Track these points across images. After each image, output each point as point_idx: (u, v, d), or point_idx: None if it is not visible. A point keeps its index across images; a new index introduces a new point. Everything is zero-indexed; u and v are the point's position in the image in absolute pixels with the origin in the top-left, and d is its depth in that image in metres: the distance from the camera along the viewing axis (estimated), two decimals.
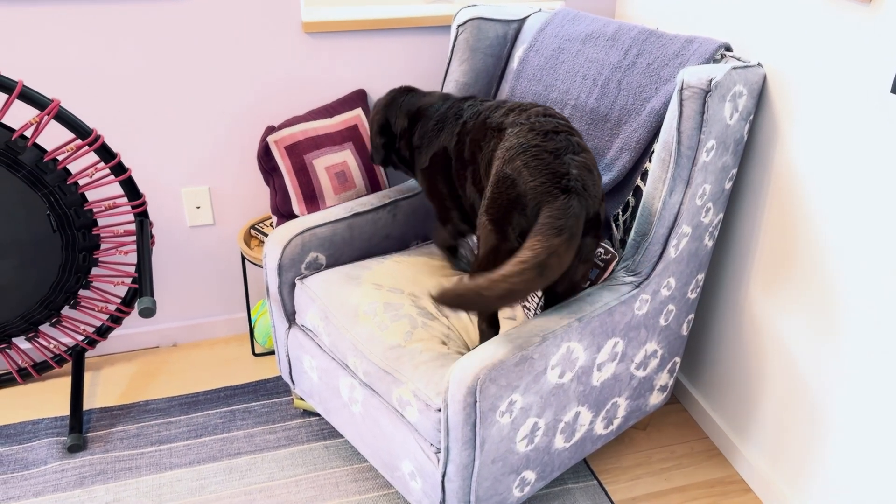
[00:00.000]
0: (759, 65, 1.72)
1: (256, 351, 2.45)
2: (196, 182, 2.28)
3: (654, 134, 1.78)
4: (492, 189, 1.54)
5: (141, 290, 1.83)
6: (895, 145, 1.45)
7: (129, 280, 2.19)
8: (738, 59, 1.75)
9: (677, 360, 2.03)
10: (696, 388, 2.20)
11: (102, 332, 2.22)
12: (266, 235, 2.24)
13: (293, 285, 1.98)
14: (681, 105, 1.62)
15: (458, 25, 2.08)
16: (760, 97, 1.78)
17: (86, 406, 2.20)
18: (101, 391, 2.27)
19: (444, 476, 1.60)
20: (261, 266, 2.18)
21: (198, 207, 2.31)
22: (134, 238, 2.09)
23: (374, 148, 2.02)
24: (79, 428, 2.07)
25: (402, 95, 1.96)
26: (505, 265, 1.38)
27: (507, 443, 1.60)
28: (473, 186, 1.71)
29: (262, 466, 2.00)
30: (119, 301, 2.22)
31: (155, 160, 2.21)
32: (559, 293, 1.67)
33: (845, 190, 1.59)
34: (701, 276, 1.93)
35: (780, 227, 1.79)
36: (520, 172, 1.48)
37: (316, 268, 2.01)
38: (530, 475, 1.74)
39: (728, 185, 1.82)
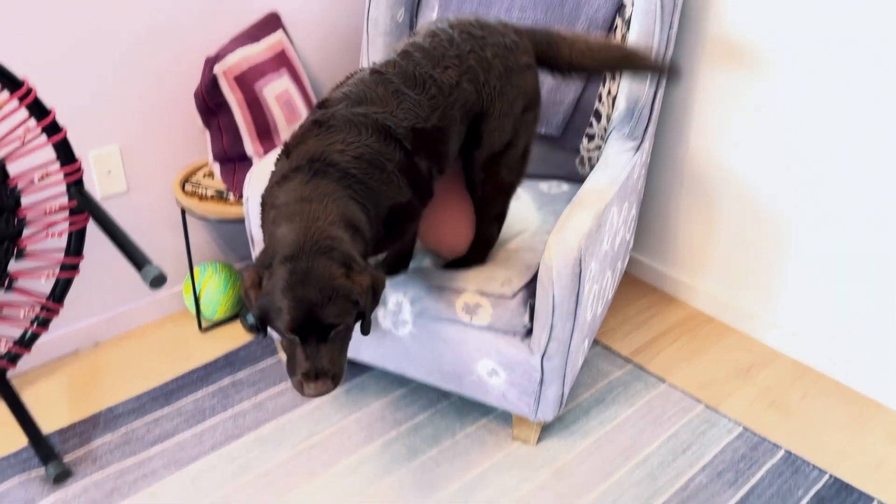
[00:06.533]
0: None
1: (203, 326, 2.16)
2: (103, 142, 1.91)
3: (616, 9, 1.92)
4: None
5: (136, 260, 1.53)
6: None
7: (58, 269, 1.79)
8: None
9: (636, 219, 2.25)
10: (634, 245, 2.45)
11: (27, 341, 1.80)
12: (208, 188, 1.96)
13: None
14: None
15: None
16: None
17: None
18: (40, 415, 1.86)
19: (543, 356, 1.63)
20: (225, 220, 1.92)
21: (108, 172, 1.95)
22: (67, 214, 1.70)
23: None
24: (53, 454, 1.69)
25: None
26: None
27: (585, 311, 1.68)
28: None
29: (295, 427, 1.82)
30: (45, 297, 1.80)
31: None
32: None
33: (785, 19, 1.88)
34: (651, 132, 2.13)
35: (720, 77, 2.05)
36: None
37: None
38: (586, 344, 1.83)
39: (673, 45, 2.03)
